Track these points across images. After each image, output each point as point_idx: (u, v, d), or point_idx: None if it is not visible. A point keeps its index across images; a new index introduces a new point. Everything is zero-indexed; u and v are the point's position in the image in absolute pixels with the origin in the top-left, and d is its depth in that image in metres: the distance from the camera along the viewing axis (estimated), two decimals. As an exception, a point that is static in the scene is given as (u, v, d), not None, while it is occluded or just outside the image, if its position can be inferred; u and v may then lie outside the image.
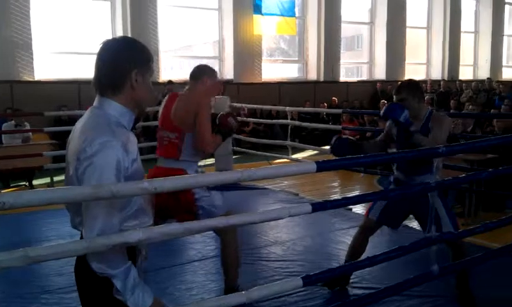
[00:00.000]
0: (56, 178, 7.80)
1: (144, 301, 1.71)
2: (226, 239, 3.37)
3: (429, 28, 17.58)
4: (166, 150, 3.28)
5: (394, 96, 3.54)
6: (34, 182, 7.84)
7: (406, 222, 4.60)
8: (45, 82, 10.37)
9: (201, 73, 3.42)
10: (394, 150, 3.70)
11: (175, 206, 3.13)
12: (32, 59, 10.28)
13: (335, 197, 6.25)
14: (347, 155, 3.27)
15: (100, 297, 1.73)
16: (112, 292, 1.69)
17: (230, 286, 3.40)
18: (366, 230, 3.72)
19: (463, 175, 3.66)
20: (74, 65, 11.20)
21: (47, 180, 7.68)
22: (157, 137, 3.39)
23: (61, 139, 9.09)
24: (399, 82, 3.69)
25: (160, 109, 3.41)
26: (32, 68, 10.29)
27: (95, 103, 1.80)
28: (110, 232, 1.67)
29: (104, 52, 1.77)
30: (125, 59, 1.75)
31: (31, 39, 10.20)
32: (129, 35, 11.11)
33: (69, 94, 10.24)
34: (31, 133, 8.23)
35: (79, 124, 1.79)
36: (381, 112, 3.48)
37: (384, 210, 3.59)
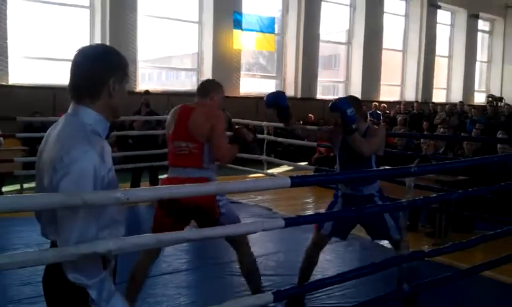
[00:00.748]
0: (26, 185, 7.64)
1: None
2: (242, 251, 3.42)
3: (404, 51, 17.97)
4: (185, 160, 3.29)
5: None
6: (4, 189, 7.65)
7: (363, 234, 4.64)
8: (19, 86, 10.17)
9: (209, 89, 3.47)
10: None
11: (196, 210, 3.16)
12: (7, 63, 10.08)
13: (309, 213, 6.27)
14: (277, 102, 3.70)
15: (70, 306, 1.70)
16: (82, 302, 1.66)
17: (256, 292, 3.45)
18: (319, 245, 3.79)
19: (434, 195, 3.73)
20: (50, 71, 11.04)
21: (17, 186, 7.51)
22: (169, 148, 3.40)
23: (32, 146, 8.93)
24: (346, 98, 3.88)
25: (171, 121, 3.41)
26: (7, 72, 10.08)
27: (69, 111, 1.77)
28: (87, 242, 1.66)
29: (81, 58, 1.74)
30: (103, 67, 1.74)
31: (6, 42, 10.01)
32: (108, 43, 11.03)
33: (43, 100, 10.07)
34: (2, 139, 8.04)
35: (53, 131, 1.76)
36: (330, 104, 3.60)
37: (335, 224, 3.66)
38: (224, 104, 3.53)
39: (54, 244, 1.75)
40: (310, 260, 3.77)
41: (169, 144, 3.41)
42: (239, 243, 3.37)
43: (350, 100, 3.69)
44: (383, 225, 3.55)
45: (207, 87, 3.50)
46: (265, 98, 3.77)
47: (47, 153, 1.69)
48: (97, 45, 1.88)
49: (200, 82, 3.63)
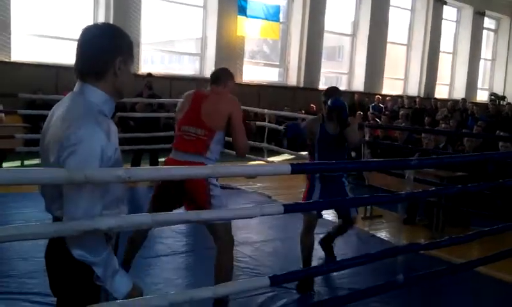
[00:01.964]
0: (27, 162, 7.67)
1: (123, 287, 1.73)
2: (222, 247, 3.30)
3: (409, 45, 17.91)
4: (191, 145, 3.27)
5: (324, 96, 4.05)
6: (4, 165, 7.66)
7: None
8: (21, 64, 10.14)
9: (223, 77, 3.47)
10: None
11: (187, 193, 3.18)
12: (9, 39, 10.03)
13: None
14: (297, 133, 4.03)
15: (74, 282, 1.73)
16: (85, 278, 1.69)
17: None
18: (310, 226, 4.01)
19: (433, 188, 3.75)
20: (53, 49, 11.00)
21: (18, 163, 7.54)
22: (177, 131, 3.41)
23: (34, 123, 8.93)
24: (327, 89, 4.23)
25: (185, 105, 3.42)
26: (10, 48, 10.05)
27: (75, 89, 1.77)
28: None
29: (87, 37, 1.74)
30: (110, 46, 1.73)
31: (9, 19, 9.97)
32: (111, 23, 11.01)
33: (46, 78, 10.06)
34: (3, 115, 8.04)
35: (59, 110, 1.75)
36: (330, 102, 3.89)
37: None
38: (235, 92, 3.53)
39: (58, 220, 1.76)
40: (307, 244, 4.00)
41: (177, 127, 3.41)
42: (219, 238, 3.28)
43: (335, 93, 4.03)
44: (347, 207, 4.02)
45: (221, 75, 3.49)
46: (284, 131, 4.16)
47: (53, 130, 1.69)
48: (103, 24, 1.87)
49: (212, 71, 3.65)
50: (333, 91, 4.10)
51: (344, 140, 3.91)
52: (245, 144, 3.34)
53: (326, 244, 4.60)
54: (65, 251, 1.70)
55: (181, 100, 3.55)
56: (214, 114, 3.28)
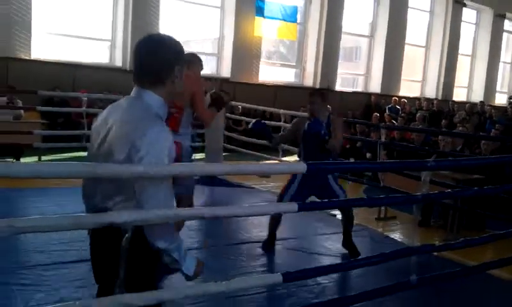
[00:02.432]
0: (44, 157, 7.77)
1: (192, 265, 1.93)
2: None
3: (427, 47, 17.75)
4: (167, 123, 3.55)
5: (310, 98, 4.39)
6: (22, 160, 7.79)
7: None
8: (41, 61, 10.29)
9: (190, 61, 4.01)
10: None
11: None
12: (30, 37, 10.19)
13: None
14: (262, 129, 4.36)
15: (135, 270, 1.85)
16: (148, 264, 1.87)
17: None
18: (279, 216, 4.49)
19: (449, 190, 3.72)
20: (72, 48, 11.15)
21: (35, 158, 7.65)
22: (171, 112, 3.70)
23: (52, 119, 9.07)
24: (316, 90, 4.67)
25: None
26: (30, 46, 10.21)
27: (133, 94, 1.90)
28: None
29: (151, 47, 1.88)
30: (172, 56, 1.89)
31: (30, 18, 10.12)
32: (130, 24, 11.12)
33: (64, 76, 10.20)
34: (22, 111, 8.19)
35: (116, 113, 1.87)
36: (307, 124, 4.30)
37: (294, 197, 4.22)
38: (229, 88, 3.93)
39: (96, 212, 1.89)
40: (276, 220, 4.58)
41: None
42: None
43: (318, 95, 4.41)
44: (333, 195, 4.17)
45: (188, 60, 3.77)
46: (251, 126, 4.47)
47: (116, 131, 1.81)
48: (162, 35, 1.99)
49: None
50: (317, 93, 4.55)
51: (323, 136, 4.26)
52: (207, 113, 3.96)
53: (348, 244, 4.66)
54: (135, 239, 1.83)
55: None
56: (180, 93, 3.53)
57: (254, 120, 4.61)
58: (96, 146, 1.88)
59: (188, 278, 1.97)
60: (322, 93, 4.48)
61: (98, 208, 1.88)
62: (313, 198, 4.26)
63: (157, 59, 1.86)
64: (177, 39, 1.97)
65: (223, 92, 4.28)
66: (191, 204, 3.84)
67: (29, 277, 3.67)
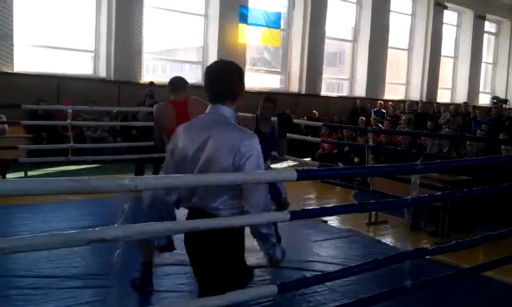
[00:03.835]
0: (30, 172, 7.66)
1: (280, 251, 2.37)
2: None
3: (410, 50, 17.93)
4: None
5: (265, 103, 4.76)
6: (8, 176, 7.67)
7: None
8: (24, 74, 10.16)
9: (185, 84, 4.07)
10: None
11: None
12: (12, 50, 10.05)
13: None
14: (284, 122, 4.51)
15: (228, 261, 2.28)
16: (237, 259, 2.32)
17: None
18: None
19: (439, 193, 3.73)
20: (55, 60, 11.03)
21: (21, 173, 7.54)
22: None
23: (36, 133, 8.94)
24: (269, 96, 5.01)
25: (168, 114, 3.86)
26: (12, 59, 10.07)
27: (212, 110, 2.34)
28: (269, 206, 2.36)
29: (226, 71, 2.35)
30: (241, 78, 2.37)
31: (12, 30, 9.99)
32: (113, 34, 11.04)
33: (48, 88, 10.07)
34: (6, 126, 8.06)
35: (205, 128, 2.28)
36: (278, 116, 4.63)
37: None
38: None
39: (206, 212, 2.23)
40: None
41: (170, 136, 3.56)
42: None
43: (272, 101, 4.78)
44: (278, 191, 4.37)
45: (183, 82, 4.05)
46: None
47: (215, 143, 2.22)
48: (230, 62, 2.42)
49: (173, 79, 4.12)
50: (272, 99, 4.89)
51: (274, 138, 4.64)
52: None
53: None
54: (223, 241, 2.24)
55: (158, 111, 3.96)
56: (199, 114, 3.62)
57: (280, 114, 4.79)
58: (190, 156, 2.26)
59: (275, 262, 2.39)
60: (275, 100, 4.92)
61: (197, 206, 2.27)
62: None
63: (233, 81, 2.33)
64: (237, 64, 2.44)
65: None
66: None
67: (18, 298, 3.60)
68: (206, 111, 2.37)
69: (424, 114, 14.06)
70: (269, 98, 5.00)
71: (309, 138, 9.86)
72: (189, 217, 2.34)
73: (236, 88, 2.34)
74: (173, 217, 2.73)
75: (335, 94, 16.32)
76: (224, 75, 2.33)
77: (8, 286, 3.78)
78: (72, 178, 1.75)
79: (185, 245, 2.37)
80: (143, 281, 3.75)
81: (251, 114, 5.25)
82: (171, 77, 4.17)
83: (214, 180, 2.14)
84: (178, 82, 4.03)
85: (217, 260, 2.27)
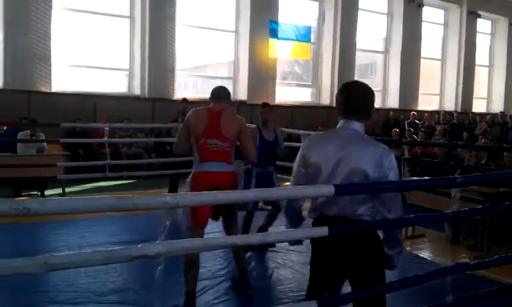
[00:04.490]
0: (68, 189, 7.83)
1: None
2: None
3: (443, 60, 17.65)
4: (219, 155, 3.75)
5: (263, 108, 5.44)
6: (46, 192, 7.87)
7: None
8: (61, 94, 10.47)
9: (226, 94, 4.00)
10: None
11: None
12: (50, 70, 10.39)
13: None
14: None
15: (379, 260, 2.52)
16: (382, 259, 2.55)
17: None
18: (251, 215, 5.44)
19: (479, 206, 3.63)
20: (91, 79, 11.33)
21: (59, 190, 7.72)
22: (198, 145, 3.75)
23: (74, 151, 9.17)
24: (267, 103, 5.76)
25: (200, 120, 3.79)
26: (50, 79, 10.40)
27: (346, 125, 2.52)
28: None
29: (364, 93, 2.55)
30: (374, 99, 2.60)
31: (49, 51, 10.33)
32: (147, 51, 11.27)
33: (84, 106, 10.35)
34: (45, 144, 8.29)
35: (343, 142, 2.46)
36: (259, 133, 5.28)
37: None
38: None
39: (347, 218, 2.45)
40: (249, 220, 5.34)
41: (198, 141, 3.74)
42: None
43: (270, 108, 5.54)
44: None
45: (224, 93, 3.99)
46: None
47: (356, 156, 2.42)
48: (366, 84, 2.61)
49: (214, 88, 4.06)
50: (269, 106, 5.57)
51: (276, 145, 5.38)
52: (254, 153, 4.11)
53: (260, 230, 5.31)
54: (372, 243, 2.49)
55: (192, 117, 3.85)
56: (231, 128, 3.81)
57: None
58: (330, 169, 2.44)
59: (393, 268, 2.61)
60: (271, 106, 5.50)
61: (341, 214, 2.45)
62: None
63: (370, 101, 2.55)
64: None
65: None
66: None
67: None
68: (339, 126, 2.56)
69: (460, 124, 13.77)
70: (266, 104, 5.59)
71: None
72: (318, 224, 2.48)
73: (372, 109, 2.56)
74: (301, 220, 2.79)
75: (366, 106, 16.16)
76: (363, 96, 2.55)
77: (47, 300, 3.85)
78: (115, 196, 1.79)
79: (322, 250, 2.53)
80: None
81: (253, 125, 5.70)
82: (215, 87, 4.10)
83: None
84: (221, 93, 4.00)
85: (371, 260, 2.49)
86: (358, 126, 2.50)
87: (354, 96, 2.53)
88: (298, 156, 2.60)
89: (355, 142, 2.44)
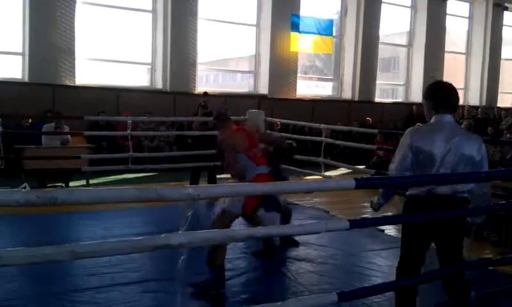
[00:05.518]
0: (91, 181, 7.96)
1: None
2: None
3: (468, 53, 17.34)
4: (262, 161, 4.46)
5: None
6: (71, 184, 8.01)
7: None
8: (85, 87, 10.62)
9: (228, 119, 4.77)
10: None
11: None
12: (74, 64, 10.55)
13: (365, 216, 6.16)
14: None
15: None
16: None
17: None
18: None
19: (503, 202, 3.58)
20: (114, 73, 11.47)
21: (83, 182, 7.85)
22: (250, 154, 4.38)
23: (97, 143, 9.31)
24: None
25: (241, 136, 4.50)
26: (74, 73, 10.56)
27: (444, 118, 2.97)
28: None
29: (454, 89, 3.05)
30: None
31: (74, 45, 10.48)
32: (169, 45, 11.34)
33: (107, 100, 10.48)
34: (69, 136, 8.43)
35: (450, 132, 2.92)
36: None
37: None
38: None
39: (456, 197, 2.91)
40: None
41: (247, 150, 4.37)
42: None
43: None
44: (274, 198, 4.72)
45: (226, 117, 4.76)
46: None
47: (464, 144, 2.90)
48: (446, 82, 3.16)
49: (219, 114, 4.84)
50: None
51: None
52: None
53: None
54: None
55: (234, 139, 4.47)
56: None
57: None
58: (442, 155, 2.87)
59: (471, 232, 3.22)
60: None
61: (448, 193, 2.88)
62: None
63: (458, 98, 3.06)
64: None
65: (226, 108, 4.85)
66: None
67: (82, 300, 3.74)
68: (437, 119, 2.98)
69: (484, 119, 13.54)
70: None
71: (364, 145, 9.70)
72: (426, 200, 2.89)
73: (459, 104, 3.09)
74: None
75: (389, 100, 16.02)
76: (455, 93, 3.04)
77: (71, 288, 3.93)
78: (139, 187, 1.83)
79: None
80: (217, 284, 3.91)
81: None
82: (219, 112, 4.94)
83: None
84: (223, 117, 4.75)
85: (458, 228, 2.97)
86: (452, 118, 2.96)
87: (450, 93, 3.00)
88: (403, 145, 2.94)
89: (458, 132, 2.95)
